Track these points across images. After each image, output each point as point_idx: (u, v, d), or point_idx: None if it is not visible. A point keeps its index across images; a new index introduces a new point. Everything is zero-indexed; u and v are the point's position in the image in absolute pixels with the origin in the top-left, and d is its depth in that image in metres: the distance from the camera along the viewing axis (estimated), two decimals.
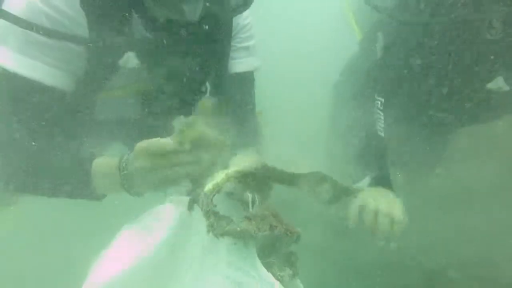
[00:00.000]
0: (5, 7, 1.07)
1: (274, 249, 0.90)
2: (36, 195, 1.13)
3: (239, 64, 1.50)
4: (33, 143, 1.07)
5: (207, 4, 1.12)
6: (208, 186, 0.83)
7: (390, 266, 2.03)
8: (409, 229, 2.09)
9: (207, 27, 1.24)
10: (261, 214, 0.85)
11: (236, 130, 1.31)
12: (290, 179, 0.96)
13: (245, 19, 1.47)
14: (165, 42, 1.18)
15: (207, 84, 1.49)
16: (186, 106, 1.41)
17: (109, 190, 1.10)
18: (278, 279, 0.84)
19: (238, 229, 0.78)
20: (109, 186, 1.06)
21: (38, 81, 1.08)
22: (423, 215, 2.16)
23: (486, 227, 2.00)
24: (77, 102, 1.21)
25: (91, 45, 1.11)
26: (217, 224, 0.79)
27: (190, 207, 0.90)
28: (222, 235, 0.79)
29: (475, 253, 2.00)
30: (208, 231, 0.79)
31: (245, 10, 1.26)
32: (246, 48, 1.51)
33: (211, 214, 0.80)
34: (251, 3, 1.23)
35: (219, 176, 0.86)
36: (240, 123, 1.47)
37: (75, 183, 1.06)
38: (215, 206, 0.81)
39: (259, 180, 0.92)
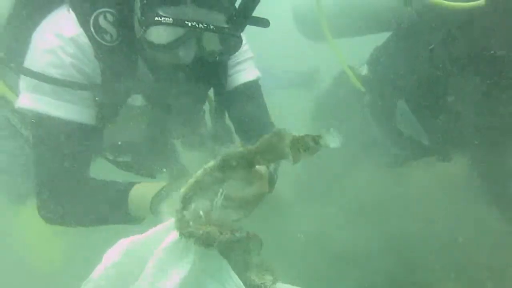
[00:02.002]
0: (31, 59, 1.25)
1: (247, 262, 0.97)
2: (82, 226, 1.28)
3: (241, 76, 1.58)
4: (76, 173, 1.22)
5: (200, 48, 1.23)
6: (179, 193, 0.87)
7: (377, 254, 2.19)
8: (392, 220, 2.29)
9: (203, 65, 1.35)
10: (221, 221, 0.90)
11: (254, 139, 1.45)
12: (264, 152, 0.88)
13: None
14: (166, 82, 1.34)
15: (203, 108, 1.63)
16: (188, 131, 1.59)
17: (144, 216, 1.20)
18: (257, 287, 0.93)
19: (201, 232, 0.84)
20: (143, 214, 1.17)
21: (72, 120, 1.25)
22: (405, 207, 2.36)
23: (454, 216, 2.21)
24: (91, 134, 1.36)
25: (102, 90, 1.29)
26: (182, 225, 0.85)
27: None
28: (186, 236, 0.85)
29: (448, 240, 2.18)
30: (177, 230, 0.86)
31: (236, 51, 1.33)
32: (245, 61, 1.60)
33: (179, 215, 0.87)
34: (241, 44, 1.30)
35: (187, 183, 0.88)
36: (256, 131, 1.52)
37: (117, 212, 1.18)
38: (183, 207, 0.88)
39: (238, 167, 0.89)
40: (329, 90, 2.62)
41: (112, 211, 1.20)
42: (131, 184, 1.20)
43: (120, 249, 0.97)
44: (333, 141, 0.83)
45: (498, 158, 1.77)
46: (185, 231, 0.87)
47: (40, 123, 1.24)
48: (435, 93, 1.81)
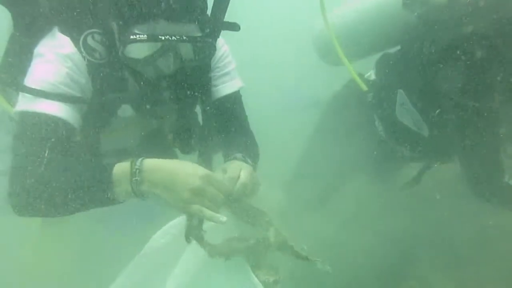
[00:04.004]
0: (30, 72, 1.30)
1: (260, 260, 1.16)
2: (65, 214, 1.23)
3: (223, 88, 1.63)
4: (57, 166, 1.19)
5: (179, 58, 1.32)
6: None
7: (377, 250, 2.25)
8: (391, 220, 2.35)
9: (186, 73, 1.39)
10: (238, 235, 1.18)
11: (235, 146, 1.55)
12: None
13: (220, 50, 1.62)
14: (152, 92, 1.38)
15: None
16: (179, 141, 1.63)
17: (125, 196, 1.18)
18: (262, 282, 1.09)
19: (226, 248, 1.11)
20: (124, 192, 1.16)
21: (56, 115, 1.26)
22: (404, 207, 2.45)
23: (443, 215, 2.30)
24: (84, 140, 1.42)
25: (93, 102, 1.36)
26: (209, 249, 1.11)
27: (187, 238, 1.18)
28: (214, 255, 1.11)
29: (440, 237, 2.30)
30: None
31: (211, 56, 1.42)
32: (228, 74, 1.63)
33: (203, 242, 1.13)
34: (215, 50, 1.38)
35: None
36: (237, 139, 1.62)
37: (98, 191, 1.16)
38: (205, 232, 1.14)
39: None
40: (335, 96, 2.62)
41: (92, 187, 1.17)
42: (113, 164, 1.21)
43: (169, 230, 1.26)
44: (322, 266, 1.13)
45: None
46: (212, 252, 1.10)
47: (24, 119, 1.27)
48: (432, 86, 1.83)
